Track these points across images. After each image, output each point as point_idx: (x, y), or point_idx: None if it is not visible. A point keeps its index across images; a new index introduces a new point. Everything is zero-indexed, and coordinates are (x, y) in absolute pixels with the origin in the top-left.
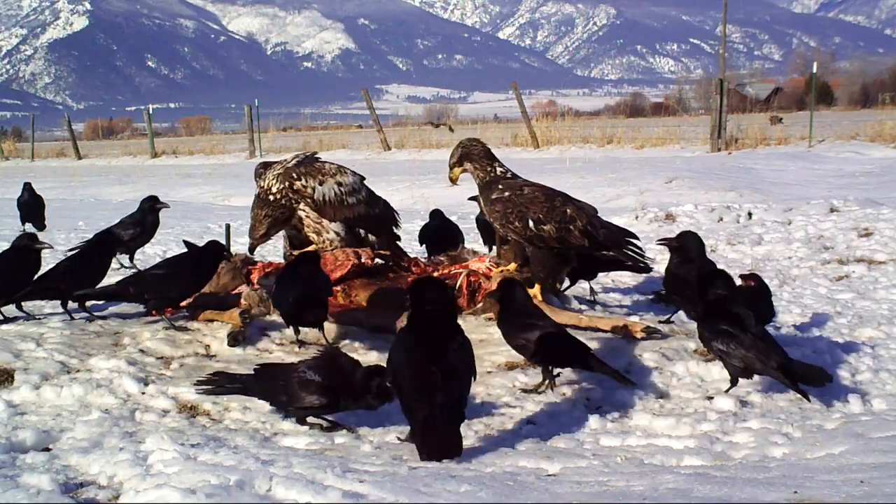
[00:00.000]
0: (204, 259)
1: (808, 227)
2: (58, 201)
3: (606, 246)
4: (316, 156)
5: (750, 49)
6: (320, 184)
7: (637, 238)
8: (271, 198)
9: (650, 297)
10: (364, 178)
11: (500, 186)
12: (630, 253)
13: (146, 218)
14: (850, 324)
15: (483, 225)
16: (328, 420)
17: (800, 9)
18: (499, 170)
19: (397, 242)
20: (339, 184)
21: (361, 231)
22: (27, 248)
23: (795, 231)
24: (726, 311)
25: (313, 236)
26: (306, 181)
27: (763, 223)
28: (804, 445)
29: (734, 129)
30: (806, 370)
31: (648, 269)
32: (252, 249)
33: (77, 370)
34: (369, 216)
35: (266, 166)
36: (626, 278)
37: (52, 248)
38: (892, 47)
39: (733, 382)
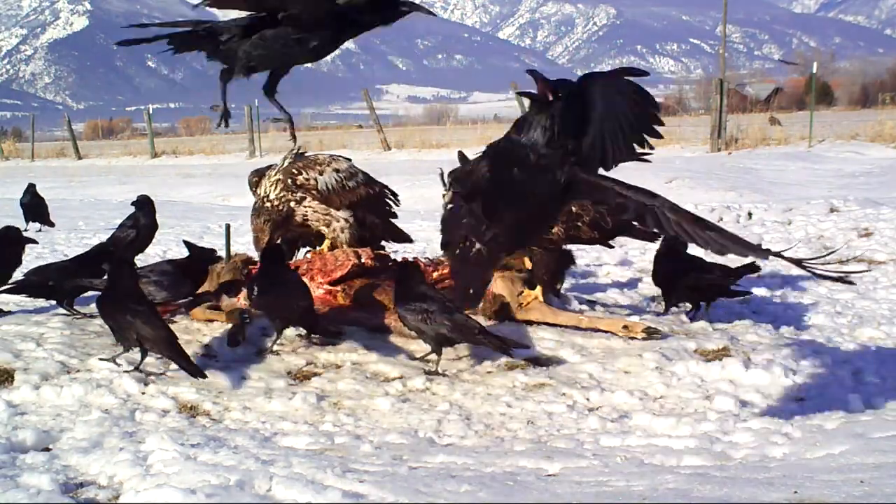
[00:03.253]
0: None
1: (808, 227)
2: (58, 201)
3: (617, 232)
4: (303, 152)
5: (750, 49)
6: (320, 174)
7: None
8: (268, 205)
9: (651, 297)
10: (350, 160)
11: None
12: (642, 230)
13: (139, 220)
14: (850, 324)
15: None
16: None
17: (800, 9)
18: None
19: (393, 223)
20: (337, 170)
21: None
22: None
23: (795, 231)
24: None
25: (323, 229)
26: (307, 174)
27: (763, 223)
28: (804, 445)
29: (734, 129)
30: None
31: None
32: None
33: (77, 370)
34: (370, 196)
35: (259, 175)
36: (627, 279)
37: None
38: (892, 47)
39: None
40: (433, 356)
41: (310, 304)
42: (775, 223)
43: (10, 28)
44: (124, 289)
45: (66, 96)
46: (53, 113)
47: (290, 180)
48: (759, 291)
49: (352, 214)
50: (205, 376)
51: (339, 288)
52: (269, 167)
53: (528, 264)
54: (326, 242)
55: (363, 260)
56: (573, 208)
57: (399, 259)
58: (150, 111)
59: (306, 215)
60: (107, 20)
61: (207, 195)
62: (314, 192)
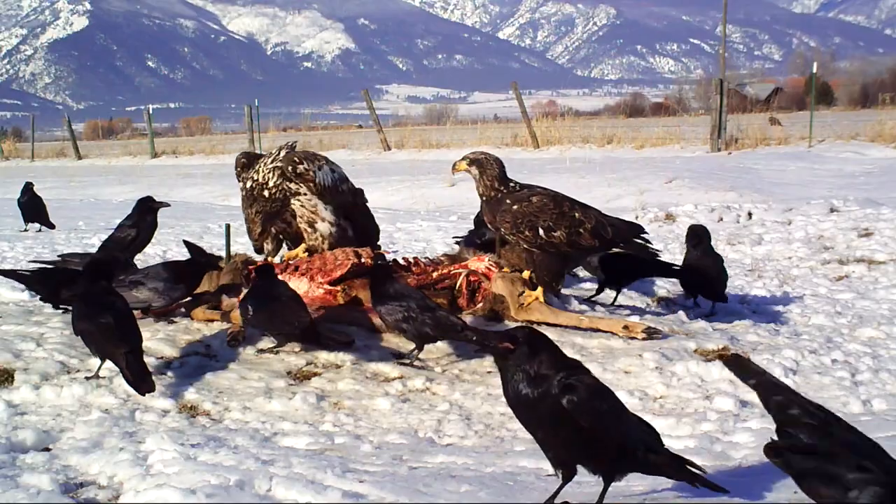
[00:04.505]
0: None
1: (808, 227)
2: (58, 201)
3: (615, 243)
4: (294, 145)
5: (750, 49)
6: (319, 168)
7: (643, 230)
8: (266, 193)
9: (650, 297)
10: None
11: (508, 200)
12: (639, 243)
13: (143, 219)
14: (850, 324)
15: (482, 224)
16: None
17: (800, 9)
18: (504, 191)
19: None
20: (332, 170)
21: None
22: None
23: (795, 231)
24: None
25: (307, 228)
26: (308, 164)
27: (763, 223)
28: None
29: (734, 130)
30: None
31: (655, 256)
32: (259, 250)
33: (77, 370)
34: (355, 205)
35: (249, 158)
36: None
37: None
38: (892, 47)
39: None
40: (415, 352)
41: (308, 321)
42: (775, 223)
43: (10, 28)
44: (93, 298)
45: (66, 96)
46: (53, 113)
47: (290, 167)
48: (759, 292)
49: (337, 219)
50: (151, 390)
51: (338, 287)
52: (259, 155)
53: (527, 275)
54: (302, 246)
55: (363, 259)
56: (576, 214)
57: (400, 259)
58: (150, 111)
59: (295, 211)
60: (107, 20)
61: (207, 195)
62: (311, 183)
